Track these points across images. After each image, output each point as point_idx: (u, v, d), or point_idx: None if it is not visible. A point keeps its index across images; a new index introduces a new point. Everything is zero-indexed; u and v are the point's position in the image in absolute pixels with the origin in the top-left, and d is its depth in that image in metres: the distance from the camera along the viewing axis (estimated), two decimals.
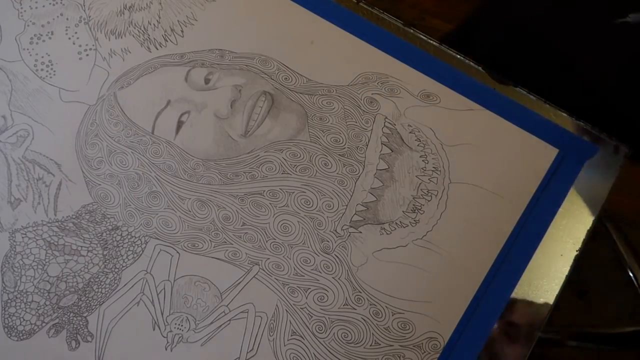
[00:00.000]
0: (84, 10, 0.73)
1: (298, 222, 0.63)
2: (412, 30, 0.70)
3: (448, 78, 0.67)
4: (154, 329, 0.60)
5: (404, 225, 0.60)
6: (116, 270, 0.62)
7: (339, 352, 0.58)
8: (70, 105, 0.69)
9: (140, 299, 0.61)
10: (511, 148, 0.65)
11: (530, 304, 0.60)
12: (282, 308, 0.60)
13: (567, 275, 0.61)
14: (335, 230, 0.63)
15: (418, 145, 0.66)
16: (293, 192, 0.64)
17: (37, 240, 0.64)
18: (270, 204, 0.64)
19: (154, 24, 0.72)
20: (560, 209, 0.64)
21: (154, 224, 0.64)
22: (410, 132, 0.66)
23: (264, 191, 0.64)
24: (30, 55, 0.71)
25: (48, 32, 0.72)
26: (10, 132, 0.68)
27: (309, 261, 0.62)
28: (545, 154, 0.65)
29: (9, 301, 0.62)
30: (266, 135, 0.66)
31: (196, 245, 0.63)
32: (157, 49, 0.71)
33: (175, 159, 0.66)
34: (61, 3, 0.73)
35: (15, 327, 0.61)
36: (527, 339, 0.59)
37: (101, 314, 0.61)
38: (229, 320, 0.60)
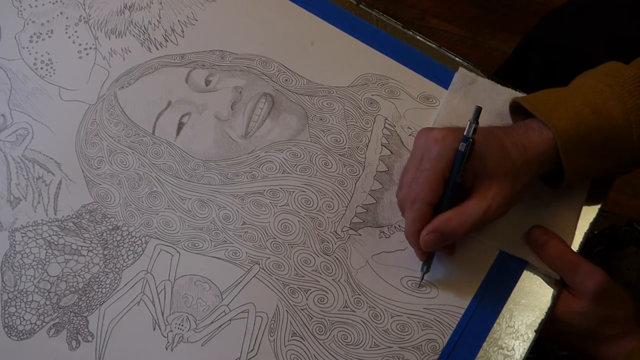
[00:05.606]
0: (84, 9, 0.72)
1: (298, 221, 0.63)
2: (411, 33, 0.70)
3: (447, 80, 0.68)
4: (154, 329, 0.60)
5: (403, 229, 0.60)
6: (116, 270, 0.62)
7: (338, 354, 0.59)
8: (70, 104, 0.69)
9: (141, 298, 0.61)
10: None
11: (528, 306, 0.60)
12: (283, 308, 0.60)
13: None
14: (336, 232, 0.63)
15: None
16: (293, 192, 0.64)
17: (37, 239, 0.64)
18: (270, 203, 0.64)
19: (155, 24, 0.72)
20: None
21: (154, 224, 0.64)
22: (409, 135, 0.66)
23: (264, 190, 0.65)
24: (30, 53, 0.71)
25: (48, 31, 0.72)
26: (9, 131, 0.68)
27: (309, 262, 0.62)
28: None
29: (9, 301, 0.62)
30: (266, 136, 0.66)
31: (196, 244, 0.63)
32: (158, 49, 0.70)
33: (176, 159, 0.66)
34: (61, 2, 0.73)
35: (15, 326, 0.61)
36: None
37: (101, 314, 0.61)
38: (230, 320, 0.60)
